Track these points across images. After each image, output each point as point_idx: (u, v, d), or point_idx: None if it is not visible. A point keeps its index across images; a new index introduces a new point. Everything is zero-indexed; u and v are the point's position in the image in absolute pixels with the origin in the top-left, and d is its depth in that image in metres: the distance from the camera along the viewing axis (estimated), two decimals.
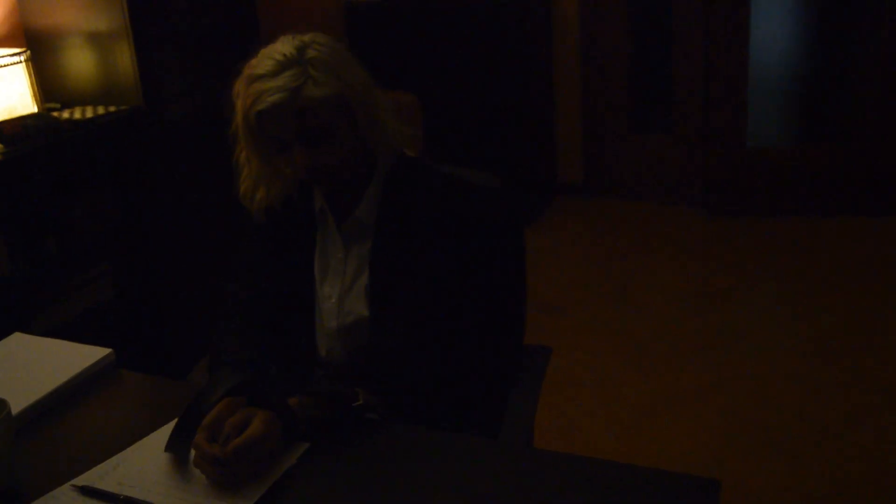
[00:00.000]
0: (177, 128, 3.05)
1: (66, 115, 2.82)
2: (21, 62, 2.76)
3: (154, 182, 2.95)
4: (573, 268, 3.98)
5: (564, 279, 3.87)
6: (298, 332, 1.64)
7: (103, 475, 1.30)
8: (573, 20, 4.44)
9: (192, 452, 1.27)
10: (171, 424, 1.33)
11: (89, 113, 2.83)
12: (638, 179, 4.60)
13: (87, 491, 1.26)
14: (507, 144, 4.32)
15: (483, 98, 4.29)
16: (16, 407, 1.37)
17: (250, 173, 1.62)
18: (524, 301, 1.79)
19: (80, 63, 2.95)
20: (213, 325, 1.62)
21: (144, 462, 1.31)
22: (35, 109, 2.79)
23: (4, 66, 2.71)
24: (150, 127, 2.90)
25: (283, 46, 1.51)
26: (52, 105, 2.94)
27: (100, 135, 2.76)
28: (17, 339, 1.73)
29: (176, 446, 1.29)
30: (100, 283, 2.85)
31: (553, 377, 3.17)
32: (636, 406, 2.92)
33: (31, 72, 2.80)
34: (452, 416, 1.52)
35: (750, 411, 2.84)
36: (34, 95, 2.80)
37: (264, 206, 1.64)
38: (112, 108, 2.86)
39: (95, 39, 2.90)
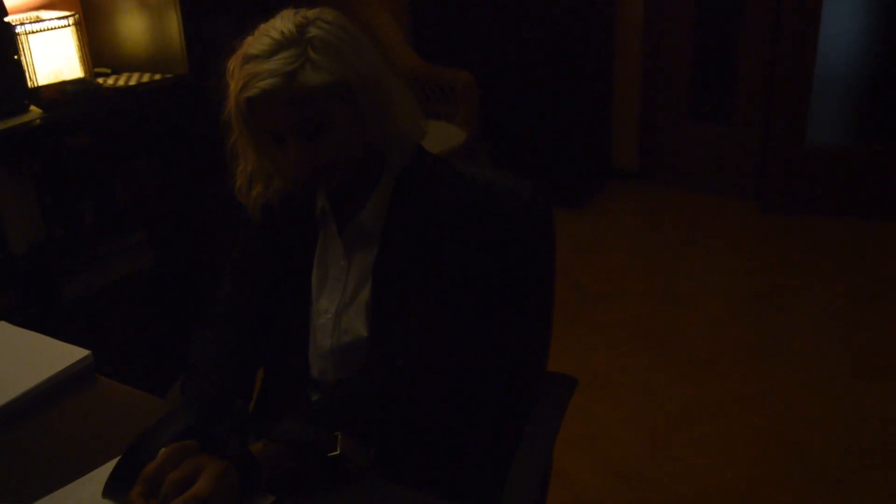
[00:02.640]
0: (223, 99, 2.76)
1: (111, 81, 2.54)
2: (69, 25, 2.48)
3: (195, 152, 2.66)
4: (619, 256, 3.60)
5: (610, 267, 3.49)
6: (290, 349, 1.34)
7: None
8: (638, 2, 3.99)
9: None
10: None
11: (136, 80, 2.56)
12: (693, 169, 4.16)
13: None
14: (562, 126, 3.94)
15: (541, 78, 3.90)
16: None
17: (245, 166, 1.31)
18: (548, 327, 1.45)
19: (131, 29, 2.67)
20: (195, 332, 1.32)
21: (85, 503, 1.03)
22: (81, 74, 2.52)
23: (52, 28, 2.44)
24: (194, 97, 2.61)
25: (282, 23, 1.19)
26: (102, 70, 2.67)
27: (141, 102, 2.48)
28: (0, 329, 1.47)
29: (113, 493, 1.01)
30: (137, 251, 2.59)
31: (587, 373, 2.84)
32: (669, 414, 2.57)
33: (81, 35, 2.52)
34: (448, 468, 1.21)
35: (788, 429, 2.46)
36: (81, 60, 2.53)
37: (261, 203, 1.33)
38: (157, 76, 2.58)
39: (146, 6, 2.61)
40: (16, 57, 2.31)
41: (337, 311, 1.30)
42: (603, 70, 4.10)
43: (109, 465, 1.05)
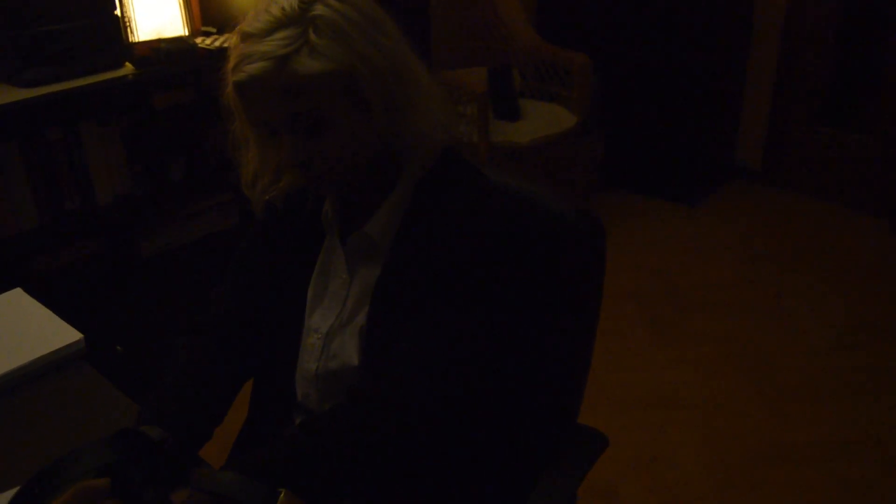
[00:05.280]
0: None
1: (209, 41, 2.40)
2: None
3: None
4: (726, 263, 3.19)
5: (713, 275, 3.10)
6: (278, 366, 1.12)
7: None
8: None
9: None
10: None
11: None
12: (822, 176, 3.64)
13: None
14: (684, 117, 3.52)
15: (665, 65, 3.48)
16: None
17: (251, 157, 1.10)
18: (582, 375, 1.17)
19: None
20: (180, 337, 1.14)
21: None
22: (183, 32, 2.40)
23: None
24: None
25: None
26: (208, 29, 2.54)
27: None
28: (12, 296, 1.34)
29: None
30: (222, 211, 2.47)
31: (665, 389, 2.47)
32: (748, 449, 2.20)
33: None
34: None
35: (889, 487, 2.05)
36: (184, 18, 2.40)
37: (267, 198, 1.12)
38: None
39: None
40: (115, 13, 2.20)
41: (329, 331, 1.08)
42: (735, 61, 3.63)
43: (10, 494, 0.88)
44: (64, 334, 1.21)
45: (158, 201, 2.31)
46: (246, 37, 0.95)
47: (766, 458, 2.17)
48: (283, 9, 0.94)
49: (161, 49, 2.20)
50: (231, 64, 0.96)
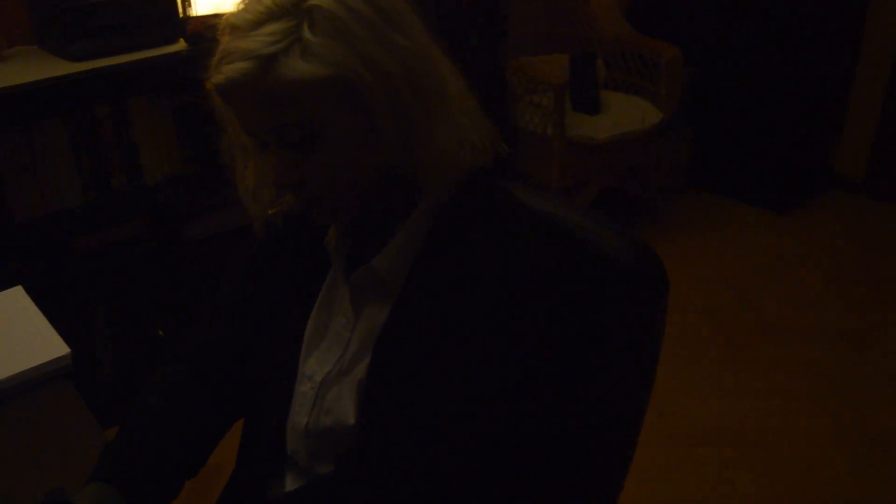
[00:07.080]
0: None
1: None
2: None
3: None
4: (815, 282, 2.87)
5: (799, 295, 2.79)
6: (268, 412, 0.96)
7: None
8: None
9: None
10: None
11: None
12: None
13: None
14: (779, 117, 3.18)
15: (762, 59, 3.14)
16: None
17: (250, 168, 0.93)
18: (628, 446, 0.96)
19: None
20: (161, 365, 0.99)
21: None
22: None
23: None
24: None
25: None
26: None
27: None
28: (9, 296, 1.22)
29: None
30: None
31: (733, 425, 2.17)
32: (824, 500, 1.94)
33: None
34: None
35: None
36: None
37: (269, 213, 0.95)
38: None
39: None
40: None
41: (325, 379, 0.90)
42: (843, 58, 3.25)
43: None
44: (51, 347, 1.08)
45: (207, 184, 2.19)
46: (232, 29, 0.78)
47: None
48: None
49: (215, 25, 2.06)
50: (214, 61, 0.79)
